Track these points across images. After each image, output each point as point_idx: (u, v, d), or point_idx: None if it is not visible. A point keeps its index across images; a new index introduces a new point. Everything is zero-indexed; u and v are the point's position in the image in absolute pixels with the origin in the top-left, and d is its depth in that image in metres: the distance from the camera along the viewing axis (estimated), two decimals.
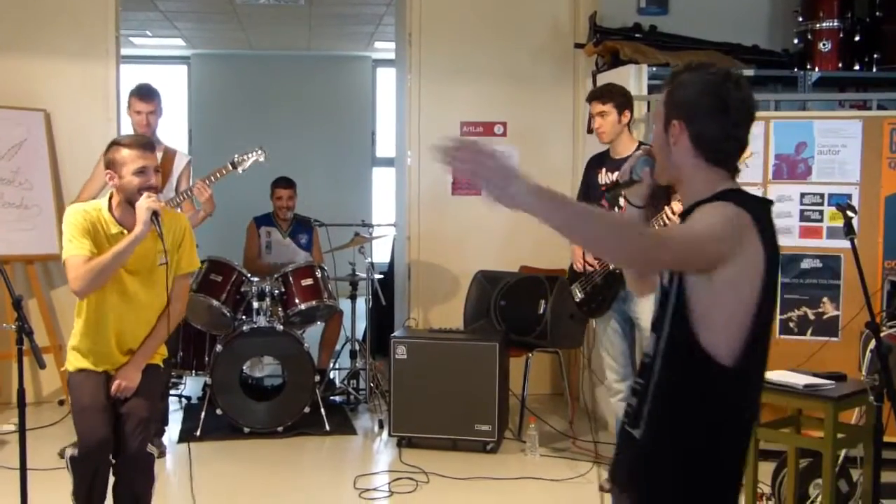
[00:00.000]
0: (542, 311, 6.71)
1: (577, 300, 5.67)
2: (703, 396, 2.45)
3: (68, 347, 4.38)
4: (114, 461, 4.31)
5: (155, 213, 4.09)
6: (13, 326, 3.88)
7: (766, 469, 5.12)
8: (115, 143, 4.24)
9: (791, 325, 6.00)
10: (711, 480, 2.50)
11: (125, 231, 4.19)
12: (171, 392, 7.68)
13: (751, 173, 5.96)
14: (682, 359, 2.44)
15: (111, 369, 4.32)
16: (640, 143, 5.44)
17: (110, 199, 4.27)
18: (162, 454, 6.14)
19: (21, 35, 7.46)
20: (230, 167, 6.04)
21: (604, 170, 5.55)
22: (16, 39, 7.45)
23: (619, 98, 5.42)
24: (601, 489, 5.36)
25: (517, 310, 6.91)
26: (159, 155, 6.08)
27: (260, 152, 6.16)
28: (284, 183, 8.17)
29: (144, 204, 4.09)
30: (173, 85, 14.54)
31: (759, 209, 2.45)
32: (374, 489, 5.68)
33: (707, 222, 2.37)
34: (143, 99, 6.10)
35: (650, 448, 2.50)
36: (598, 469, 5.94)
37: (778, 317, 5.95)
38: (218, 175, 5.94)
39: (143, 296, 4.31)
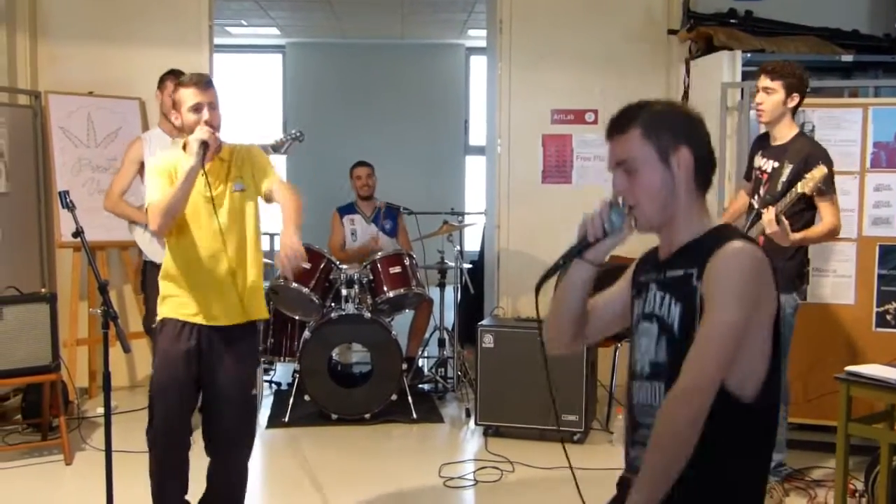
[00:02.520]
0: None
1: None
2: (733, 439, 2.37)
3: (160, 298, 4.29)
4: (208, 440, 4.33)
5: (204, 144, 4.06)
6: (99, 311, 3.94)
7: (854, 464, 5.00)
8: (177, 83, 4.22)
9: (888, 317, 5.83)
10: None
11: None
12: (262, 378, 7.79)
13: (847, 162, 5.80)
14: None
15: (204, 314, 4.21)
16: (801, 133, 5.15)
17: (184, 143, 4.25)
18: None
19: (117, 25, 7.60)
20: (270, 150, 6.06)
21: (760, 153, 5.23)
22: (112, 29, 7.60)
23: (791, 78, 4.99)
24: None
25: None
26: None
27: (297, 133, 6.17)
28: (361, 163, 8.21)
29: (195, 136, 4.08)
30: (268, 74, 14.72)
31: (759, 245, 2.42)
32: (460, 477, 5.67)
33: (730, 303, 2.28)
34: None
35: (683, 497, 2.35)
36: None
37: (874, 309, 5.80)
38: None
39: (230, 225, 4.23)
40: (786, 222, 4.70)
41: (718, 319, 2.28)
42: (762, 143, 5.25)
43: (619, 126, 2.49)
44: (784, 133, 5.09)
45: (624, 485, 2.62)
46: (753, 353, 2.33)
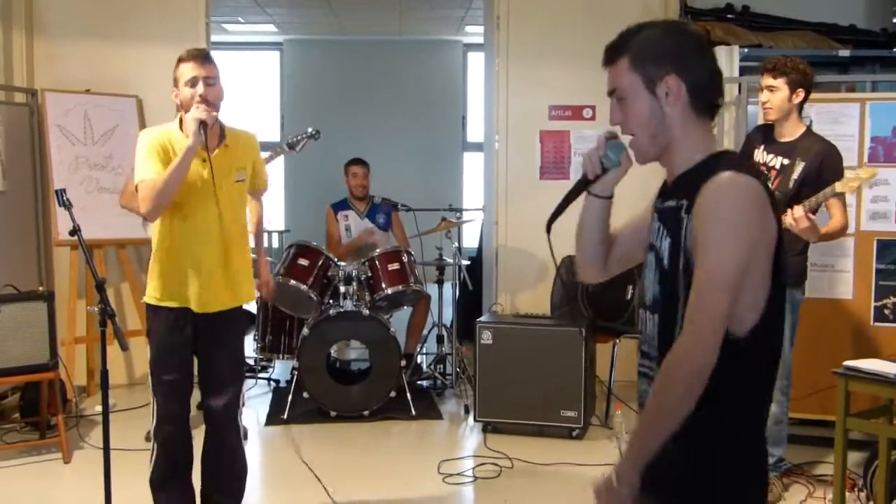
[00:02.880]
0: (629, 296, 6.63)
1: None
2: (730, 378, 2.25)
3: (150, 275, 4.29)
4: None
5: (203, 124, 3.99)
6: (97, 309, 3.94)
7: (853, 459, 5.00)
8: (178, 60, 4.16)
9: (886, 312, 5.83)
10: (747, 458, 2.36)
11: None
12: (260, 375, 7.80)
13: (845, 157, 5.77)
14: None
15: (195, 302, 4.22)
16: (809, 129, 5.10)
17: (180, 119, 4.18)
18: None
19: (114, 22, 7.59)
20: (285, 148, 6.07)
21: (762, 147, 5.16)
22: (108, 27, 7.59)
23: (794, 74, 4.95)
24: None
25: (604, 295, 6.83)
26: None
27: (312, 131, 6.18)
28: (357, 161, 8.20)
29: (192, 115, 4.01)
30: (266, 71, 14.71)
31: (760, 175, 2.29)
32: (459, 474, 5.67)
33: (723, 241, 2.17)
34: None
35: (680, 435, 2.27)
36: None
37: (872, 304, 5.80)
38: (272, 155, 5.95)
39: (227, 214, 4.22)
40: (815, 218, 4.68)
41: (715, 264, 2.17)
42: (765, 138, 5.19)
43: (609, 55, 2.42)
44: (792, 130, 5.05)
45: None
46: (751, 288, 2.23)
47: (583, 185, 2.56)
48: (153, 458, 4.31)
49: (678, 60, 2.32)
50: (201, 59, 4.10)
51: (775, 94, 4.98)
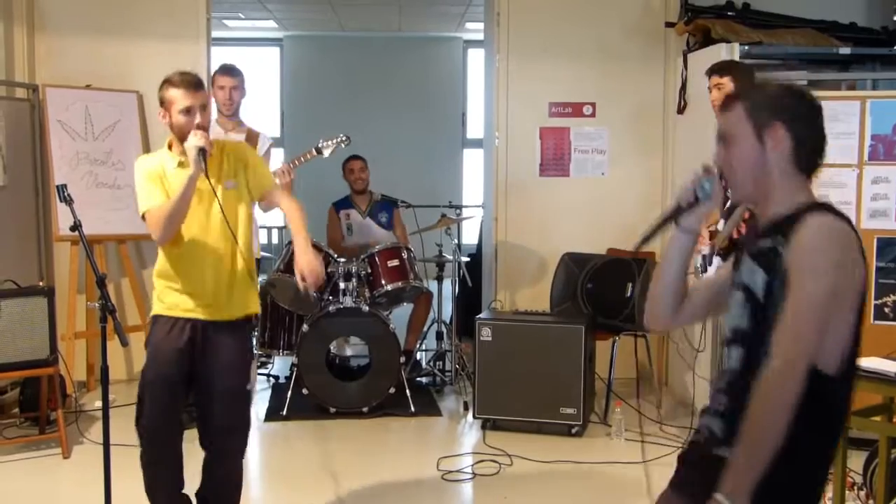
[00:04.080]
0: (629, 293, 6.63)
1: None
2: (812, 410, 2.37)
3: (154, 295, 4.28)
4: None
5: (202, 151, 3.97)
6: (97, 305, 3.94)
7: (853, 457, 4.99)
8: (165, 81, 4.11)
9: (886, 310, 5.84)
10: (813, 492, 2.50)
11: (183, 161, 4.09)
12: (259, 371, 7.80)
13: (845, 154, 5.80)
14: None
15: (200, 312, 4.19)
16: None
17: (170, 141, 4.19)
18: None
19: (114, 18, 7.59)
20: (314, 152, 6.09)
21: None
22: (109, 22, 7.58)
23: (737, 72, 5.32)
24: None
25: (604, 292, 6.84)
26: (241, 136, 6.14)
27: (344, 137, 6.20)
28: (353, 157, 8.20)
29: (191, 143, 3.99)
30: (266, 67, 14.70)
31: (849, 221, 2.44)
32: (458, 471, 5.67)
33: (817, 272, 2.33)
34: (227, 74, 6.23)
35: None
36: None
37: (872, 302, 5.80)
38: (302, 159, 5.98)
39: (222, 222, 4.16)
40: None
41: (805, 292, 2.32)
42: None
43: (727, 103, 2.58)
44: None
45: (691, 452, 2.70)
46: (839, 324, 2.37)
47: (676, 212, 2.67)
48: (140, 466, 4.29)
49: (791, 114, 2.48)
50: (193, 88, 4.07)
51: (722, 90, 5.32)
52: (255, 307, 4.36)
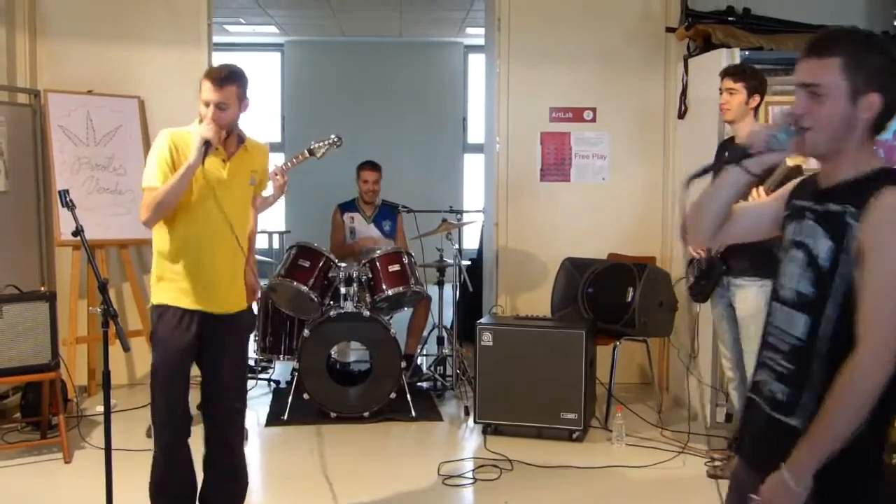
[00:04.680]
0: (630, 298, 6.63)
1: (688, 285, 5.61)
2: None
3: (155, 277, 4.31)
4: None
5: (207, 143, 4.06)
6: (99, 310, 3.95)
7: None
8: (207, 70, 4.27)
9: None
10: (878, 467, 2.46)
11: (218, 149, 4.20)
12: (261, 376, 7.81)
13: None
14: (852, 347, 2.34)
15: (204, 302, 4.24)
16: None
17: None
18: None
19: (116, 23, 7.61)
20: (307, 153, 6.08)
21: (727, 154, 5.35)
22: (111, 28, 7.60)
23: (752, 80, 5.33)
24: (713, 476, 5.47)
25: (605, 297, 6.84)
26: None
27: (335, 138, 6.19)
28: (370, 166, 8.16)
29: (199, 130, 4.09)
30: (267, 72, 14.72)
31: None
32: (459, 476, 5.67)
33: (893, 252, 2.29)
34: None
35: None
36: (686, 458, 5.89)
37: None
38: (295, 161, 5.97)
39: (237, 216, 4.28)
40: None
41: (887, 272, 2.28)
42: (726, 146, 5.56)
43: (819, 49, 2.45)
44: (747, 131, 5.16)
45: (750, 414, 2.67)
46: None
47: (741, 156, 2.59)
48: (153, 464, 4.33)
49: (883, 79, 2.40)
50: (218, 83, 4.13)
51: (734, 96, 5.35)
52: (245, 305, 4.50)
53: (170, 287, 4.23)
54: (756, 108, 5.36)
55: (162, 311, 4.24)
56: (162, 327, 4.23)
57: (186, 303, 4.21)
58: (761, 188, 4.76)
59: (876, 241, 2.29)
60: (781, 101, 6.09)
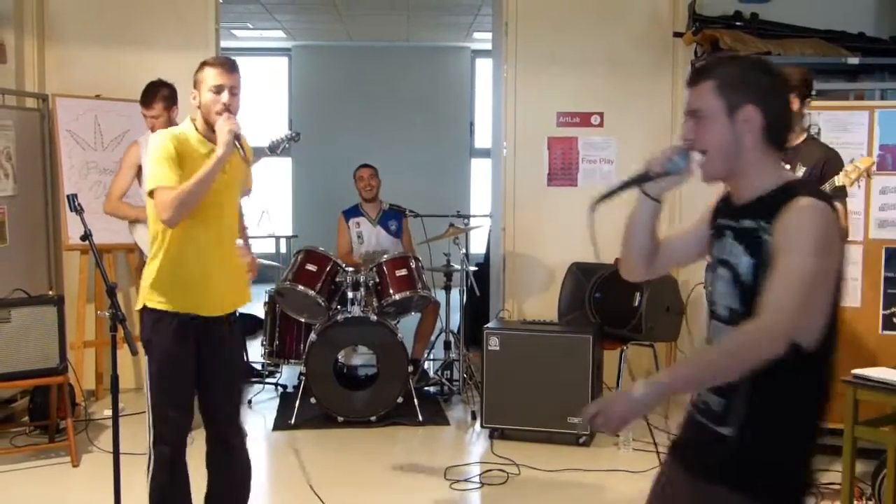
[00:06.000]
0: (637, 303, 6.63)
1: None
2: (796, 387, 2.46)
3: (150, 281, 4.10)
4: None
5: (237, 136, 3.99)
6: (107, 314, 3.95)
7: (861, 468, 4.99)
8: (202, 63, 4.14)
9: (895, 320, 5.83)
10: (808, 470, 2.54)
11: (213, 148, 4.06)
12: (268, 380, 7.81)
13: None
14: (778, 361, 2.39)
15: (201, 306, 4.14)
16: (811, 136, 5.19)
17: (193, 120, 4.15)
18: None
19: (124, 28, 7.63)
20: (267, 151, 6.07)
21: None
22: (119, 33, 7.63)
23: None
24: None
25: (612, 302, 6.84)
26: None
27: (292, 133, 6.21)
28: (364, 165, 8.24)
29: (225, 126, 3.97)
30: (274, 77, 14.74)
31: (829, 200, 2.46)
32: (465, 480, 5.67)
33: (804, 251, 2.35)
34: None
35: (752, 447, 2.49)
36: None
37: (881, 312, 5.80)
38: (255, 159, 5.95)
39: (230, 218, 4.25)
40: None
41: (794, 263, 2.35)
42: None
43: (695, 78, 2.58)
44: (792, 137, 5.08)
45: (687, 425, 2.76)
46: (819, 303, 2.41)
47: (641, 179, 2.72)
48: (149, 480, 4.13)
49: (759, 93, 2.50)
50: (228, 67, 4.08)
51: None
52: (247, 297, 4.43)
53: (168, 291, 4.07)
54: (799, 112, 5.12)
55: (159, 316, 4.07)
56: (161, 336, 4.07)
57: (185, 307, 4.08)
58: None
59: (784, 241, 2.38)
60: None
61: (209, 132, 4.09)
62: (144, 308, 4.09)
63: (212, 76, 4.05)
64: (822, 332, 2.44)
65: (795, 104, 5.03)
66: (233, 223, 4.28)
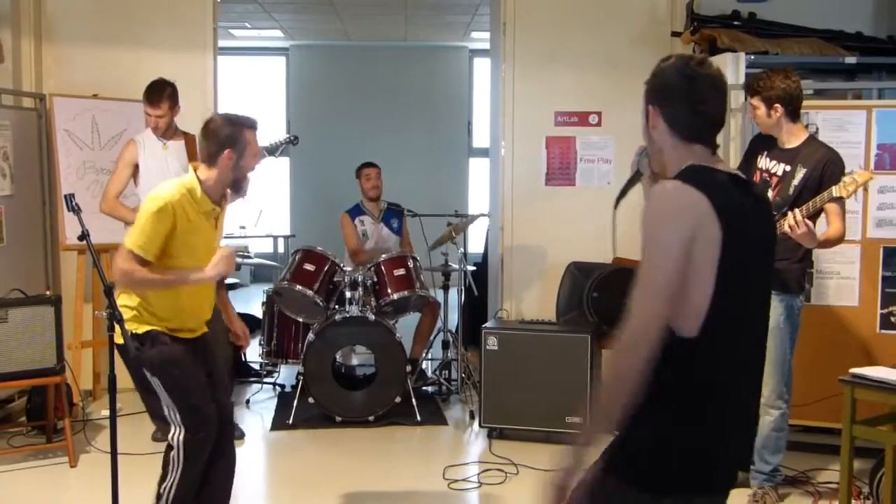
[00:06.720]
0: None
1: None
2: (675, 374, 2.47)
3: (135, 309, 4.11)
4: None
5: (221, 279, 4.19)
6: (105, 314, 3.95)
7: (859, 467, 4.99)
8: (236, 123, 4.06)
9: (892, 319, 5.83)
10: (692, 458, 2.53)
11: (217, 208, 4.14)
12: (266, 380, 7.81)
13: (851, 164, 5.78)
14: (664, 361, 2.44)
15: (190, 332, 4.25)
16: (812, 136, 5.15)
17: (198, 176, 4.09)
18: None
19: (122, 28, 7.63)
20: (265, 153, 6.08)
21: (765, 154, 5.17)
22: (116, 32, 7.62)
23: (768, 91, 5.02)
24: None
25: (610, 302, 6.83)
26: (180, 141, 6.24)
27: (291, 137, 6.24)
28: (370, 164, 8.21)
29: (218, 269, 4.07)
30: (272, 76, 14.73)
31: (721, 189, 2.48)
32: (464, 480, 5.67)
33: (645, 245, 2.43)
34: (152, 105, 6.17)
35: (627, 434, 2.54)
36: None
37: (879, 311, 5.80)
38: None
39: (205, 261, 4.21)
40: (811, 224, 4.70)
41: (646, 265, 2.42)
42: (766, 145, 5.22)
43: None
44: (792, 138, 5.09)
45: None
46: (694, 289, 2.42)
47: (635, 178, 2.91)
48: (176, 476, 4.07)
49: (660, 94, 2.63)
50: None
51: (756, 111, 5.11)
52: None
53: (147, 320, 4.10)
54: (793, 115, 5.05)
55: (154, 335, 4.08)
56: (160, 344, 4.07)
57: (173, 332, 4.15)
58: (797, 210, 4.73)
59: (642, 234, 2.46)
60: None
61: (217, 192, 4.12)
62: (133, 336, 4.03)
63: (255, 140, 4.11)
64: (705, 317, 2.43)
65: (760, 109, 5.06)
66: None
